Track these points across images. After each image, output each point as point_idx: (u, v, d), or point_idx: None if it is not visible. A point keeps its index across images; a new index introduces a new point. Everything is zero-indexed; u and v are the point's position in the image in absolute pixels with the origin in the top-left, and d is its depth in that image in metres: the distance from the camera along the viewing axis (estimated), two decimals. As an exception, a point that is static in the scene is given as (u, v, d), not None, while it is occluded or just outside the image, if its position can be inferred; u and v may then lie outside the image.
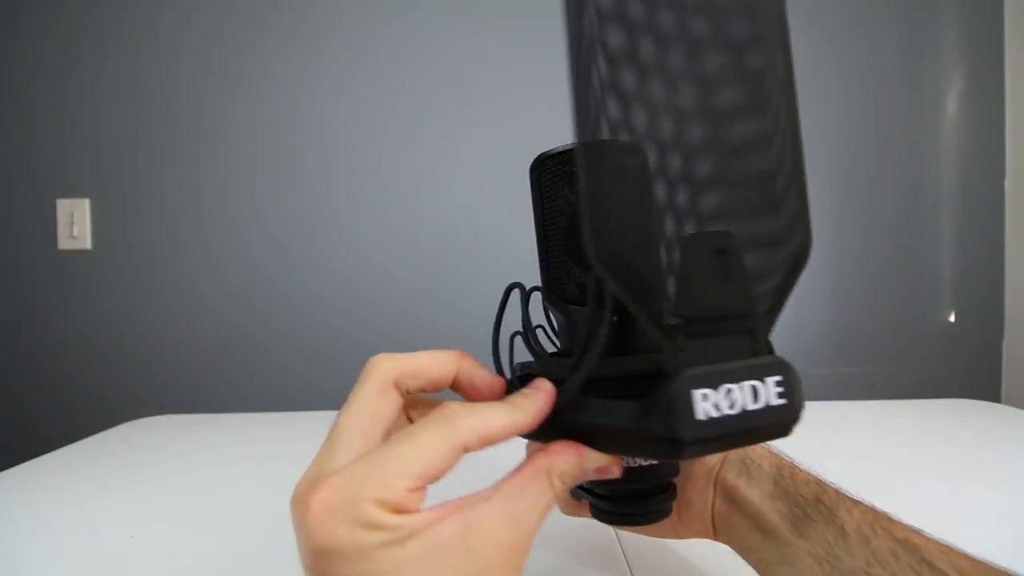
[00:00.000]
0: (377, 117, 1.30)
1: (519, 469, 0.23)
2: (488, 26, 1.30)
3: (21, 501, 0.55)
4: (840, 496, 0.30)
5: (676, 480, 0.33)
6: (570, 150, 0.30)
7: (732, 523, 0.32)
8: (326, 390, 1.30)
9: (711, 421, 0.20)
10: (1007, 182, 1.33)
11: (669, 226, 0.22)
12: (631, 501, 0.31)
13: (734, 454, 0.33)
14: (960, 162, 1.33)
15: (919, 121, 1.33)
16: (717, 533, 0.34)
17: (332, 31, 1.29)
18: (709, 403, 0.21)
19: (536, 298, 0.32)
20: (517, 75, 1.30)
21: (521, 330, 0.30)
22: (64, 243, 1.29)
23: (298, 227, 1.30)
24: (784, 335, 1.39)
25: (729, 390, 0.21)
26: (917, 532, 0.28)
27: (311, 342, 1.30)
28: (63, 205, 1.29)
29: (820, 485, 0.31)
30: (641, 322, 0.21)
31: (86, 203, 1.29)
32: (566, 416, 0.25)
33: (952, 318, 1.34)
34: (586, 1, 0.20)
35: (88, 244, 1.29)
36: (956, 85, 1.33)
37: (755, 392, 0.21)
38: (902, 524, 0.28)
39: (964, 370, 1.33)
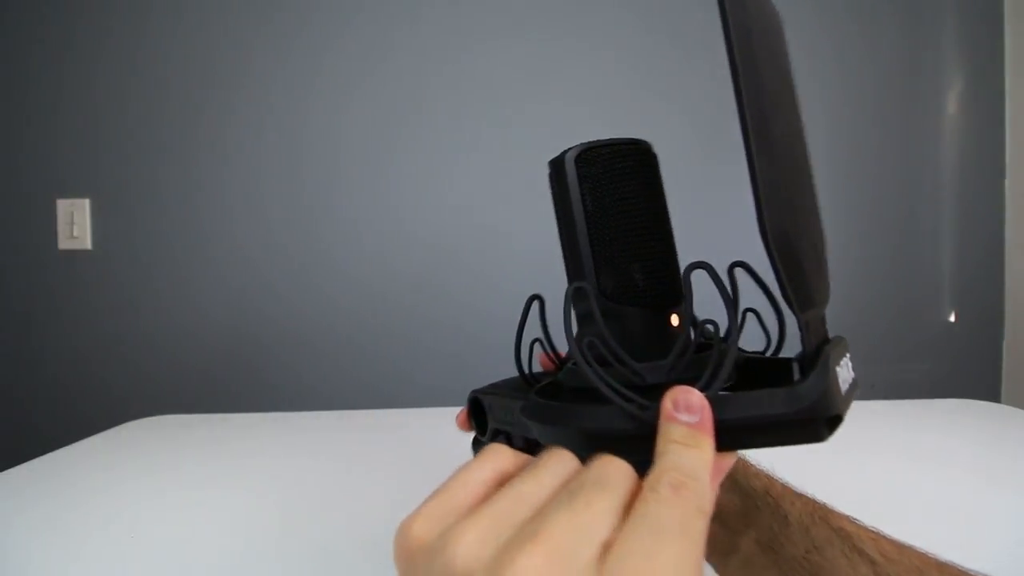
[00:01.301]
0: (385, 117, 1.30)
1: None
2: (499, 30, 1.30)
3: (21, 501, 0.55)
4: (786, 489, 0.32)
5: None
6: (620, 143, 0.29)
7: None
8: (327, 390, 1.30)
9: (844, 395, 0.22)
10: (1007, 182, 1.33)
11: (803, 217, 0.24)
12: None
13: None
14: (960, 162, 1.33)
15: (919, 121, 1.33)
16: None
17: (339, 31, 1.29)
18: (841, 379, 0.22)
19: (550, 307, 0.30)
20: (527, 78, 1.30)
21: (593, 338, 0.26)
22: (64, 243, 1.29)
23: (301, 227, 1.30)
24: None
25: (842, 366, 0.23)
26: (850, 520, 0.30)
27: (312, 342, 1.30)
28: (63, 205, 1.29)
29: (769, 479, 0.32)
30: (790, 300, 0.22)
31: (86, 203, 1.29)
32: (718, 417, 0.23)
33: (952, 318, 1.34)
34: None
35: (88, 244, 1.29)
36: (956, 85, 1.32)
37: (849, 367, 0.24)
38: (838, 514, 0.30)
39: (964, 370, 1.33)
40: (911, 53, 1.32)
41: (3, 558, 0.44)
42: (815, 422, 0.21)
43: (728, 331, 0.25)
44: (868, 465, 0.55)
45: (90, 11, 1.28)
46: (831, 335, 0.24)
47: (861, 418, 0.86)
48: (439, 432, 0.75)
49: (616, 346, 0.25)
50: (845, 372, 0.23)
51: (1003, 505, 0.52)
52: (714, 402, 0.22)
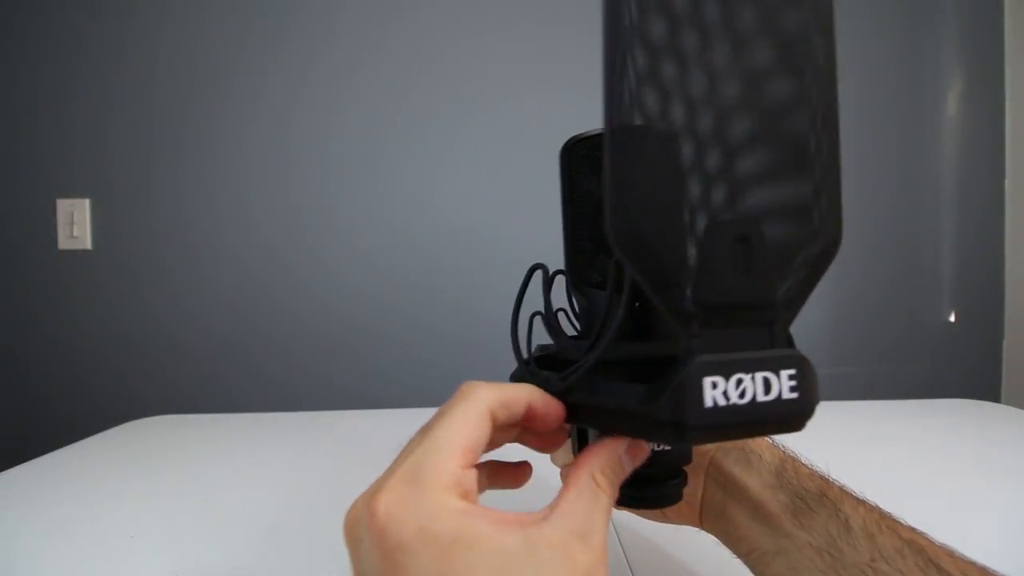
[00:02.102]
0: (377, 117, 1.30)
1: (565, 486, 0.23)
2: (489, 26, 1.30)
3: (21, 501, 0.55)
4: (844, 493, 0.30)
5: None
6: (600, 135, 0.30)
7: (725, 511, 0.32)
8: (327, 390, 1.30)
9: (719, 409, 0.21)
10: (1007, 182, 1.33)
11: (693, 213, 0.22)
12: (642, 484, 0.30)
13: (732, 443, 0.33)
14: (960, 162, 1.33)
15: (919, 121, 1.33)
16: (703, 521, 0.34)
17: (330, 32, 1.29)
18: (718, 391, 0.21)
19: (560, 283, 0.32)
20: (518, 75, 1.30)
21: (542, 311, 0.30)
22: (64, 243, 1.29)
23: (298, 228, 1.30)
24: (784, 335, 1.37)
25: (740, 380, 0.21)
26: (922, 535, 0.27)
27: (311, 342, 1.30)
28: (63, 205, 1.29)
29: (824, 480, 0.31)
30: (657, 306, 0.21)
31: (86, 203, 1.29)
32: (579, 397, 0.25)
33: (952, 318, 1.34)
34: None
35: (88, 244, 1.29)
36: (956, 85, 1.33)
37: (767, 384, 0.21)
38: (907, 526, 0.28)
39: (964, 370, 1.33)
40: (911, 53, 1.32)
41: (3, 558, 0.44)
42: (661, 425, 0.21)
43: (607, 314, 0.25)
44: (868, 464, 0.55)
45: (90, 12, 1.28)
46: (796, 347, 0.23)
47: (861, 418, 0.86)
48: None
49: (554, 320, 0.27)
50: (733, 388, 0.21)
51: (1003, 505, 0.52)
52: (586, 386, 0.25)
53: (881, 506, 0.29)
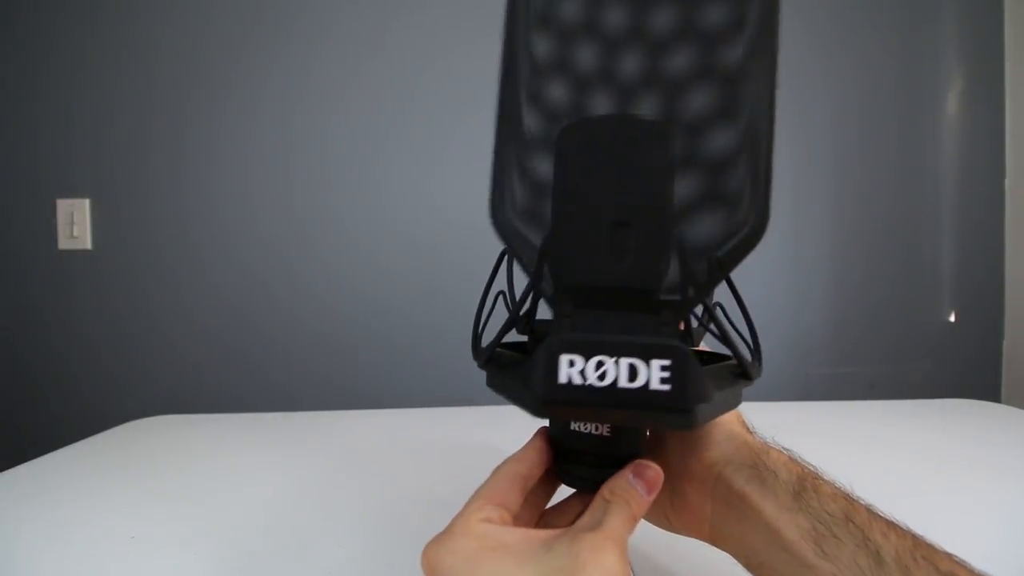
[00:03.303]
0: (377, 116, 1.30)
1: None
2: (489, 26, 1.29)
3: (21, 501, 0.55)
4: (872, 516, 0.27)
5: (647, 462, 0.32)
6: (593, 121, 0.30)
7: (739, 533, 0.30)
8: (326, 390, 1.30)
9: (573, 387, 0.21)
10: (1007, 182, 1.33)
11: (569, 197, 0.23)
12: (566, 459, 0.30)
13: (745, 457, 0.30)
14: (960, 162, 1.33)
15: (919, 121, 1.33)
16: (715, 539, 0.32)
17: (330, 32, 1.29)
18: (575, 370, 0.21)
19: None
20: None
21: (505, 290, 0.31)
22: (64, 243, 1.29)
23: (298, 228, 1.30)
24: (784, 335, 1.39)
25: (601, 362, 0.21)
26: (962, 565, 0.25)
27: (312, 342, 1.30)
28: (63, 205, 1.29)
29: (848, 501, 0.28)
30: (533, 286, 0.22)
31: (86, 203, 1.29)
32: (495, 380, 0.27)
33: (952, 318, 1.34)
34: None
35: (88, 244, 1.29)
36: (956, 85, 1.33)
37: (633, 371, 0.21)
38: (944, 553, 0.26)
39: (964, 370, 1.33)
40: (911, 53, 1.32)
41: (3, 558, 0.44)
42: (525, 397, 0.23)
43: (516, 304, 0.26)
44: (868, 464, 0.55)
45: (90, 13, 1.28)
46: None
47: (861, 418, 0.86)
48: (438, 432, 0.75)
49: (511, 299, 0.27)
50: (592, 369, 0.21)
51: (1003, 505, 0.52)
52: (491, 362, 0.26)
53: (913, 529, 0.27)
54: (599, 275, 0.22)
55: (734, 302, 0.29)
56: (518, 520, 0.27)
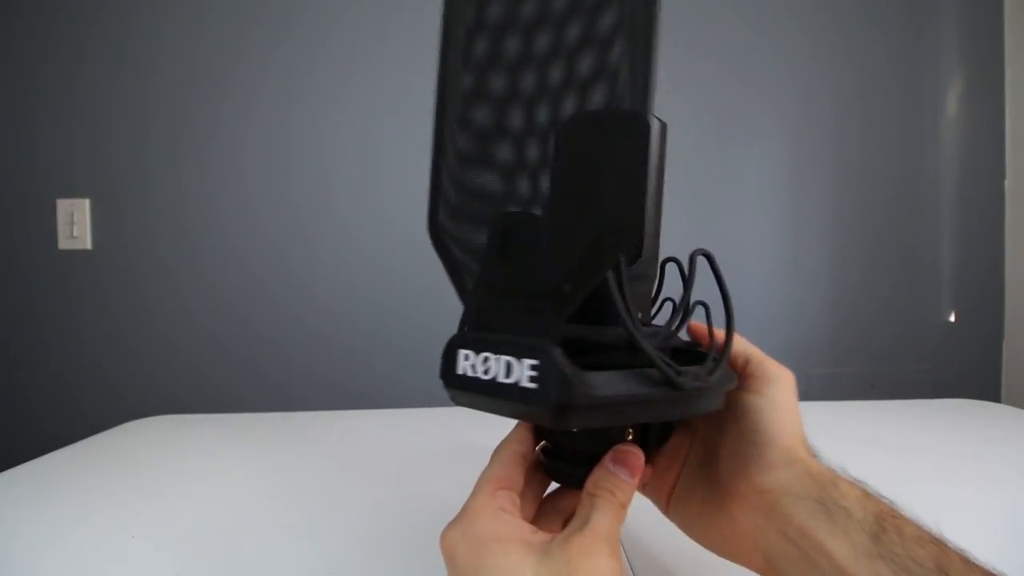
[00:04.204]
0: (377, 116, 1.30)
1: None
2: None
3: (21, 501, 0.55)
4: (968, 564, 0.24)
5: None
6: (575, 119, 0.31)
7: (802, 574, 0.26)
8: (326, 390, 1.30)
9: (467, 378, 0.24)
10: (1007, 182, 1.33)
11: (477, 207, 0.26)
12: (550, 453, 0.31)
13: (808, 488, 0.27)
14: (960, 162, 1.33)
15: (919, 121, 1.33)
16: (771, 573, 0.29)
17: (330, 31, 1.29)
18: (468, 363, 0.24)
19: None
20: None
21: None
22: (64, 243, 1.29)
23: (298, 228, 1.30)
24: (784, 335, 1.39)
25: (487, 358, 0.23)
26: None
27: (312, 342, 1.30)
28: (63, 205, 1.29)
29: (939, 547, 0.24)
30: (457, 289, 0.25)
31: (86, 203, 1.29)
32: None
33: (952, 318, 1.34)
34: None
35: (88, 244, 1.29)
36: (956, 85, 1.33)
37: (508, 368, 0.23)
38: None
39: (964, 370, 1.33)
40: (911, 53, 1.32)
41: (3, 558, 0.44)
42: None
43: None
44: (868, 465, 0.55)
45: (90, 14, 1.28)
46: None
47: (861, 418, 0.86)
48: (438, 432, 0.75)
49: (631, 310, 0.28)
50: (480, 363, 0.23)
51: (1003, 505, 0.52)
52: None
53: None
54: (492, 281, 0.25)
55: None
56: (524, 500, 0.29)
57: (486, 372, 0.23)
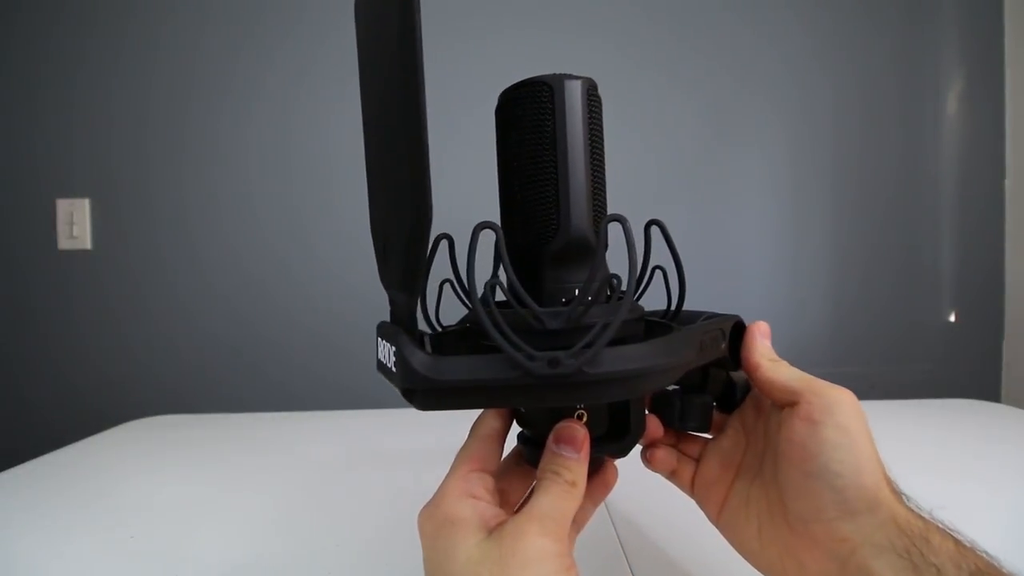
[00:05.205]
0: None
1: None
2: (489, 26, 1.29)
3: (21, 501, 0.55)
4: None
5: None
6: (512, 89, 0.33)
7: None
8: (326, 390, 1.30)
9: (381, 364, 0.27)
10: (1007, 182, 1.33)
11: (381, 211, 0.30)
12: (527, 443, 0.32)
13: (893, 539, 0.24)
14: (960, 162, 1.33)
15: (919, 121, 1.33)
16: None
17: (330, 31, 1.29)
18: (381, 351, 0.27)
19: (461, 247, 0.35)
20: (517, 74, 1.29)
21: (451, 279, 0.36)
22: (64, 243, 1.29)
23: (298, 228, 1.30)
24: (784, 335, 1.39)
25: (383, 345, 0.27)
26: None
27: (311, 342, 1.30)
28: (63, 205, 1.29)
29: (993, 570, 0.22)
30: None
31: (86, 203, 1.29)
32: None
33: (952, 318, 1.34)
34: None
35: (88, 244, 1.29)
36: (956, 85, 1.32)
37: (388, 353, 0.26)
38: None
39: (964, 370, 1.33)
40: (911, 53, 1.32)
41: (3, 558, 0.44)
42: None
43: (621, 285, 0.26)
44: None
45: (90, 13, 1.28)
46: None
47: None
48: (438, 432, 0.75)
49: (520, 288, 0.27)
50: (383, 350, 0.26)
51: (1003, 505, 0.52)
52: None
53: None
54: (384, 278, 0.30)
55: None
56: (512, 487, 0.30)
57: (384, 357, 0.26)
